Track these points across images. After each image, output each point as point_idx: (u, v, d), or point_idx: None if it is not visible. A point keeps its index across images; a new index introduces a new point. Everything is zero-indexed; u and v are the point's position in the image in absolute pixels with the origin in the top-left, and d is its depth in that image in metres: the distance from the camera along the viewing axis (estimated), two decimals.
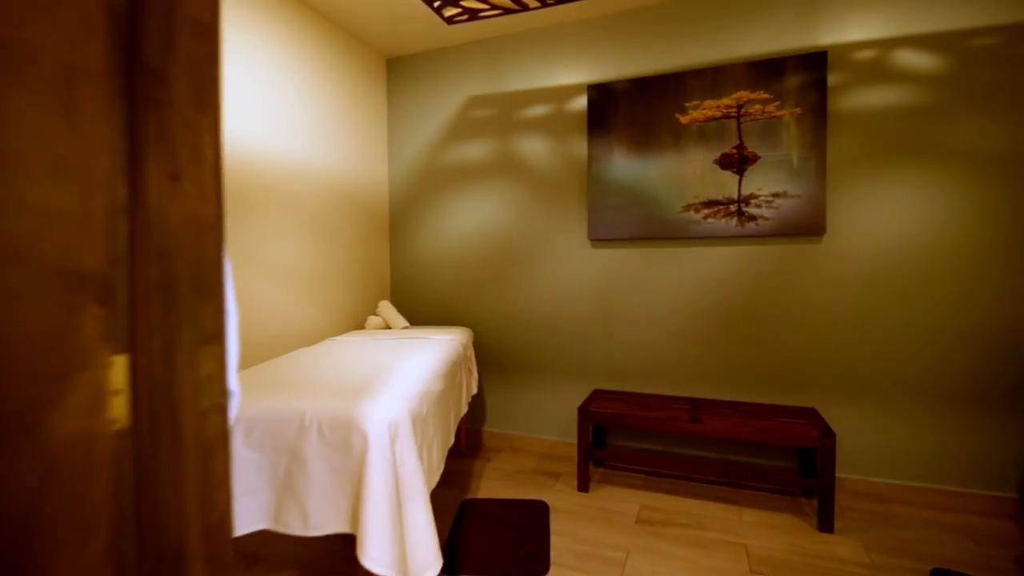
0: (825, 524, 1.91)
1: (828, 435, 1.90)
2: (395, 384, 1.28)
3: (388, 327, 2.52)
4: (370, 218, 2.83)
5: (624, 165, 2.44)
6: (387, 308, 2.55)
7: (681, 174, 2.35)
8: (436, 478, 1.39)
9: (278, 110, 2.18)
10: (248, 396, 1.19)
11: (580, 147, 2.56)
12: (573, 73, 2.59)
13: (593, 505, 2.10)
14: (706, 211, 2.31)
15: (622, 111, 2.45)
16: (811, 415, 2.11)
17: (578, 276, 2.59)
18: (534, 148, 2.66)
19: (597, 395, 2.44)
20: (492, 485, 2.30)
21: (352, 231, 2.66)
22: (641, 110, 2.41)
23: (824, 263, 2.19)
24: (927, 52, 2.04)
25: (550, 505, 2.07)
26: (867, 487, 2.17)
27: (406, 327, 2.53)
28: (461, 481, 2.33)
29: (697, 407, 2.24)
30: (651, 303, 2.45)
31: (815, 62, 2.14)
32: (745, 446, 2.34)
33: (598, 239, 2.52)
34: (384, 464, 1.05)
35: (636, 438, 2.53)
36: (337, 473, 1.06)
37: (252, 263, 2.00)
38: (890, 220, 2.10)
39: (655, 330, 2.45)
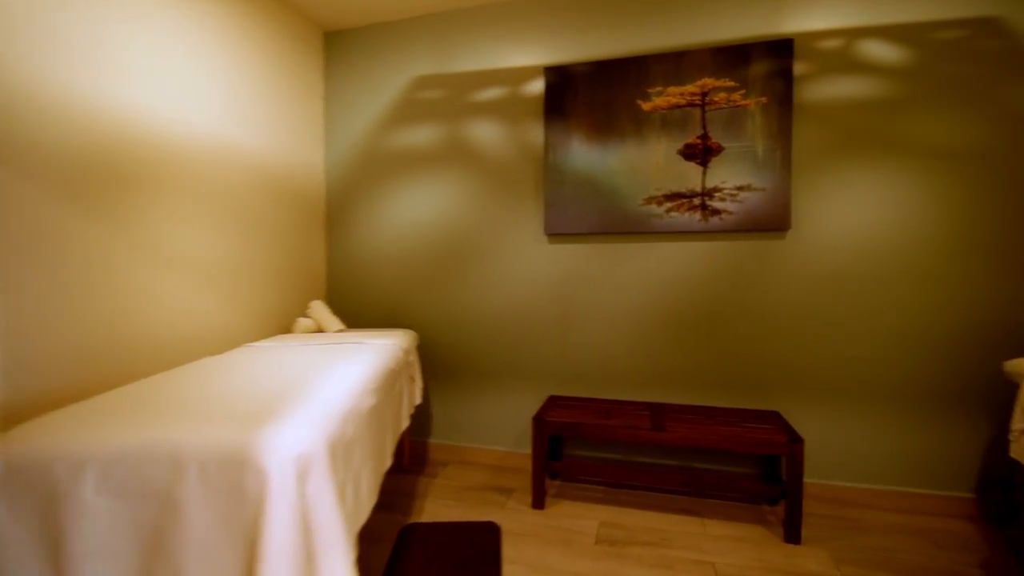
0: (792, 535, 1.80)
1: (795, 440, 1.80)
2: (311, 403, 1.03)
3: (320, 330, 2.23)
4: (303, 208, 2.53)
5: (583, 154, 2.27)
6: (320, 309, 2.26)
7: (643, 165, 2.20)
8: (366, 514, 1.15)
9: (193, 81, 1.85)
10: (109, 425, 0.91)
11: (536, 134, 2.37)
12: (529, 54, 2.39)
13: (549, 524, 1.91)
14: (669, 204, 2.17)
15: (581, 96, 2.27)
16: (775, 419, 2.01)
17: (533, 273, 2.40)
18: (487, 134, 2.45)
19: (553, 402, 2.26)
20: (438, 505, 2.07)
21: (281, 222, 2.35)
22: (601, 95, 2.25)
23: (788, 260, 2.10)
24: (892, 44, 1.97)
25: (502, 527, 1.87)
26: (829, 491, 2.10)
27: (341, 330, 2.25)
28: (403, 502, 2.09)
29: (659, 413, 2.09)
30: (611, 302, 2.29)
31: (781, 50, 2.04)
32: (708, 452, 2.22)
33: (555, 233, 2.34)
34: (289, 511, 0.81)
35: (595, 447, 2.37)
36: (226, 526, 0.81)
37: (144, 250, 1.67)
38: (855, 216, 2.03)
39: (615, 331, 2.30)
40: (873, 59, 1.99)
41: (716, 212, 2.12)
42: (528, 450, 2.37)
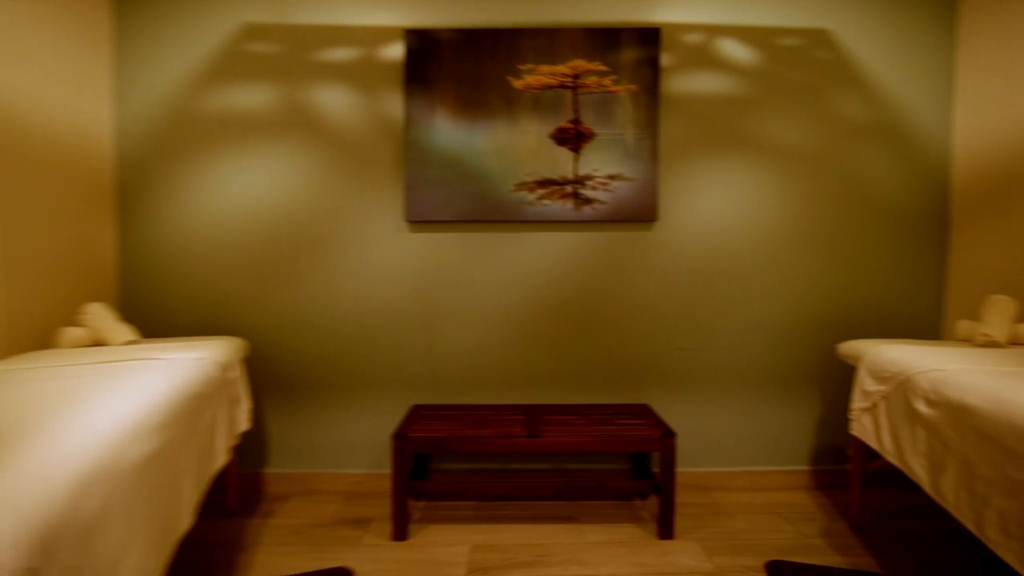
0: (666, 531, 1.77)
1: (668, 435, 1.76)
2: (20, 466, 0.64)
3: (100, 343, 1.66)
4: (77, 182, 1.89)
5: (449, 132, 2.02)
6: (99, 315, 1.69)
7: (514, 147, 2.02)
8: None
9: None
10: None
11: (395, 106, 2.06)
12: (387, 12, 2.06)
13: (413, 559, 1.64)
14: (541, 191, 2.03)
15: (447, 66, 2.02)
16: (646, 412, 1.98)
17: (392, 266, 2.08)
18: (336, 102, 2.07)
19: (418, 413, 1.98)
20: (273, 554, 1.66)
21: (39, 200, 1.71)
22: (469, 68, 2.02)
23: (656, 252, 2.09)
24: (745, 44, 2.05)
25: (355, 572, 1.54)
26: (693, 478, 2.14)
27: (131, 342, 1.70)
28: (224, 557, 1.64)
29: (534, 417, 1.94)
30: (481, 297, 2.08)
31: (649, 38, 2.01)
32: (584, 454, 2.14)
33: (418, 220, 2.05)
34: None
35: (466, 459, 2.14)
36: None
37: None
38: (714, 209, 2.09)
39: (485, 329, 2.09)
40: (729, 57, 2.06)
41: (588, 201, 2.03)
42: (389, 469, 2.06)
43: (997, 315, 1.65)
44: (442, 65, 2.02)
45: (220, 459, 1.38)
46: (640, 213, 2.04)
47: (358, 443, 2.11)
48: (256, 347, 2.04)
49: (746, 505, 2.02)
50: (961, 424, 1.10)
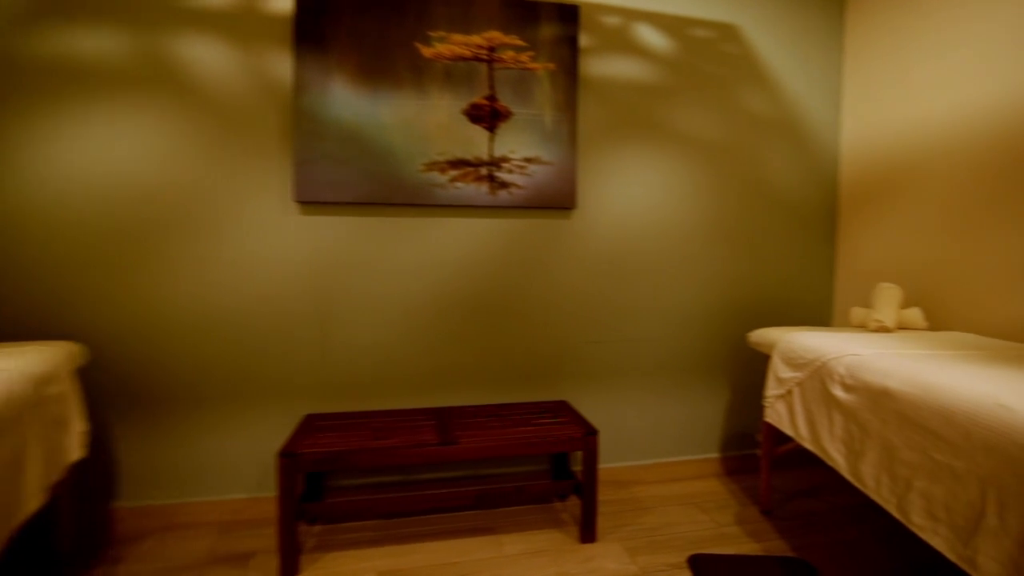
0: (588, 534, 1.68)
1: (590, 433, 1.67)
2: None
3: None
4: None
5: (348, 101, 1.77)
6: None
7: (423, 123, 1.82)
8: None
9: None
10: None
11: (282, 66, 1.76)
12: None
13: None
14: (453, 172, 1.84)
15: (346, 25, 1.76)
16: (566, 410, 1.88)
17: (279, 254, 1.78)
18: (208, 57, 1.72)
19: (311, 424, 1.71)
20: None
21: None
22: (372, 29, 1.77)
23: (574, 241, 2.00)
24: (660, 32, 2.02)
25: None
26: (609, 474, 2.08)
27: None
28: None
29: (447, 421, 1.76)
30: (385, 290, 1.85)
31: (568, 15, 1.90)
32: (502, 457, 1.99)
33: (310, 201, 1.77)
34: None
35: (369, 472, 1.90)
36: None
37: None
38: (631, 198, 2.04)
39: (389, 326, 1.87)
40: (646, 44, 2.01)
41: (505, 185, 1.88)
42: (276, 492, 1.76)
43: (886, 302, 1.75)
44: (340, 23, 1.75)
45: (28, 503, 1.03)
46: (559, 200, 1.93)
47: (238, 463, 1.78)
48: (102, 353, 1.64)
49: (662, 498, 2.00)
50: (882, 408, 1.10)
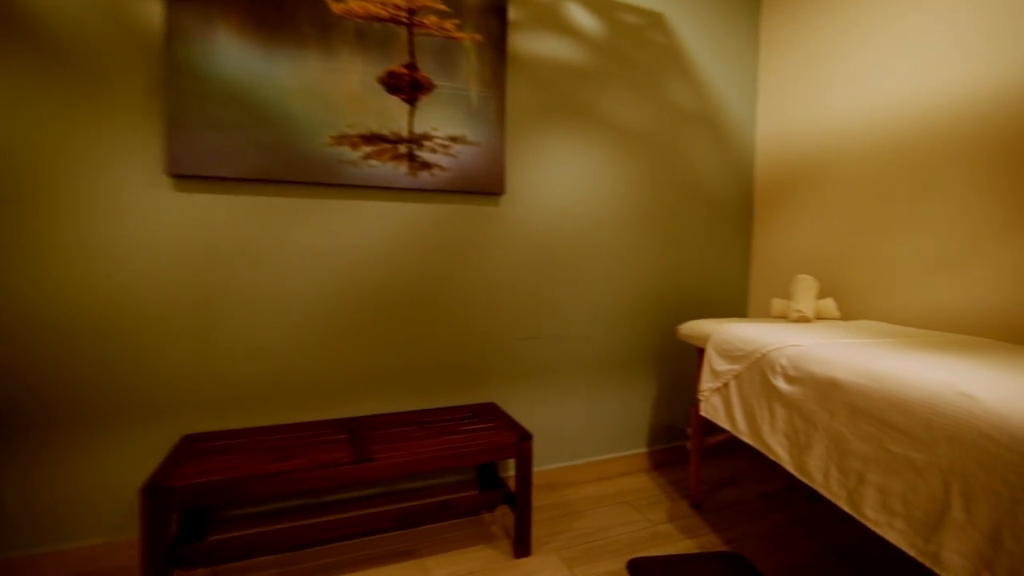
0: (522, 547, 1.54)
1: (525, 438, 1.53)
2: None
3: None
4: None
5: (238, 57, 1.47)
6: None
7: (331, 88, 1.56)
8: None
9: None
10: None
11: (150, 7, 1.42)
12: None
13: None
14: (367, 149, 1.61)
15: None
16: (495, 413, 1.73)
17: (147, 240, 1.44)
18: None
19: (190, 447, 1.40)
20: None
21: None
22: None
23: (502, 229, 1.85)
24: (591, 14, 1.93)
25: None
26: (539, 477, 1.97)
27: None
28: None
29: (361, 434, 1.53)
30: (284, 285, 1.58)
31: None
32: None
33: (188, 175, 1.45)
34: None
35: (268, 498, 1.62)
36: None
37: None
38: (560, 185, 1.93)
39: (291, 326, 1.59)
40: (576, 24, 1.91)
41: (427, 165, 1.68)
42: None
43: (804, 292, 1.80)
44: None
45: None
46: (486, 184, 1.77)
47: (93, 501, 1.42)
48: None
49: (595, 499, 1.92)
50: (830, 400, 1.07)
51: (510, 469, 1.92)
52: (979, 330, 1.49)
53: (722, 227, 2.27)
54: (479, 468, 1.88)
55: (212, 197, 1.49)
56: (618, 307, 2.07)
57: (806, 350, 1.20)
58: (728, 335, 1.51)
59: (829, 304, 1.80)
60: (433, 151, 1.69)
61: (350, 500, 1.70)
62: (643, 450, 2.18)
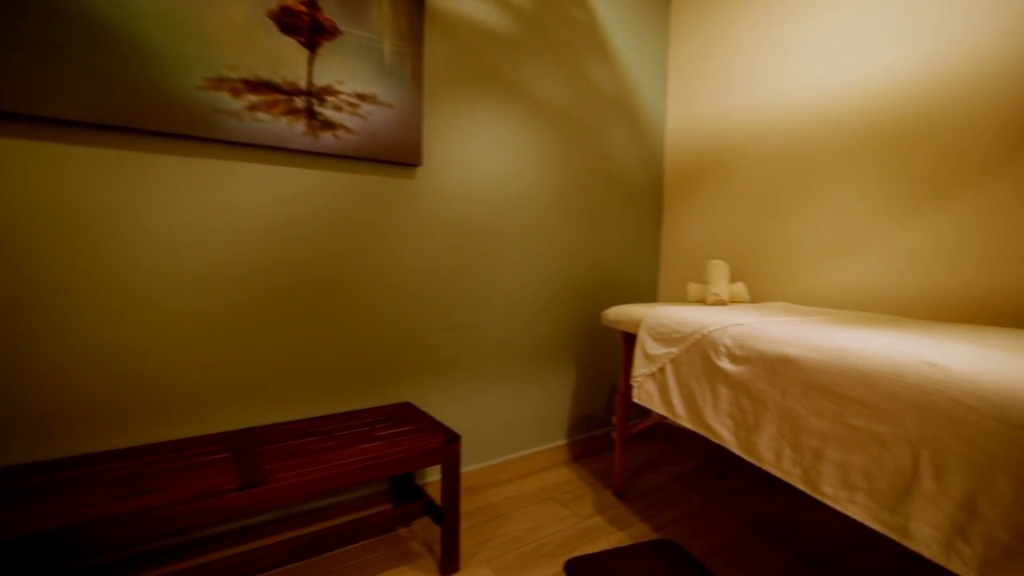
0: (450, 563, 1.37)
1: (452, 440, 1.36)
2: None
3: None
4: None
5: None
6: None
7: (205, 16, 1.23)
8: None
9: None
10: None
11: None
12: None
13: None
14: (253, 98, 1.31)
15: None
16: (412, 414, 1.53)
17: None
18: None
19: (2, 487, 1.00)
20: None
21: None
22: None
23: (418, 205, 1.64)
24: None
25: None
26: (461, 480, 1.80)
27: None
28: None
29: (250, 450, 1.23)
30: (143, 266, 1.22)
31: None
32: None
33: None
34: None
35: (130, 542, 1.24)
36: None
37: None
38: (482, 160, 1.77)
39: (153, 317, 1.24)
40: None
41: (329, 125, 1.42)
42: None
43: (718, 276, 1.84)
44: None
45: None
46: (401, 153, 1.55)
47: None
48: None
49: (520, 498, 1.80)
50: (782, 377, 1.05)
51: (427, 475, 1.72)
52: (873, 307, 1.62)
53: (636, 214, 2.27)
54: (392, 478, 1.66)
55: (25, 145, 1.09)
56: (541, 294, 1.96)
57: (751, 329, 1.18)
58: (663, 318, 1.46)
59: (740, 288, 1.86)
60: (338, 109, 1.42)
61: (238, 531, 1.38)
62: (563, 442, 2.11)
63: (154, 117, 1.18)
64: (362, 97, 1.46)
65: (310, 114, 1.38)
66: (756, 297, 1.96)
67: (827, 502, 0.94)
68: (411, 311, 1.65)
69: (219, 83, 1.25)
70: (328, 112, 1.41)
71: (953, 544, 0.75)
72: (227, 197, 1.31)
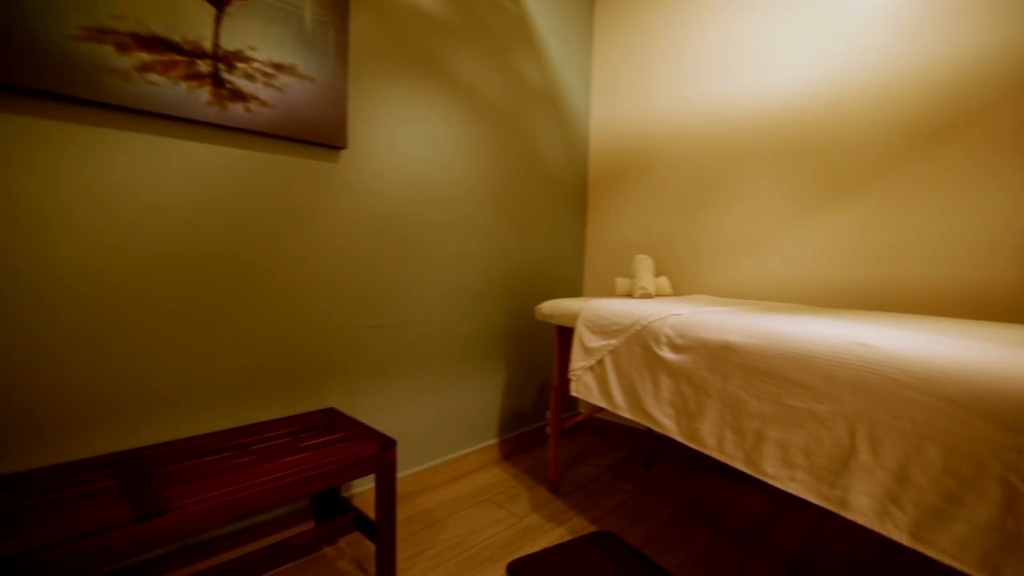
0: None
1: (388, 446, 1.25)
2: None
3: None
4: None
5: None
6: None
7: None
8: None
9: None
10: None
11: None
12: None
13: None
14: (146, 56, 1.11)
15: None
16: (338, 420, 1.40)
17: None
18: None
19: None
20: None
21: None
22: None
23: (344, 192, 1.50)
24: None
25: None
26: None
27: None
28: None
29: (145, 475, 1.04)
30: (9, 257, 0.98)
31: None
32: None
33: None
34: None
35: None
36: None
37: None
38: (413, 146, 1.67)
39: (19, 320, 1.00)
40: None
41: (240, 96, 1.25)
42: None
43: (645, 271, 1.90)
44: None
45: None
46: (324, 133, 1.40)
47: None
48: None
49: (453, 503, 1.72)
50: (724, 364, 1.09)
51: (354, 487, 1.59)
52: (783, 298, 1.76)
53: (563, 208, 2.29)
54: (316, 492, 1.50)
55: None
56: (471, 289, 1.90)
57: (690, 318, 1.21)
58: (601, 310, 1.47)
59: (664, 282, 1.94)
60: (250, 78, 1.25)
61: (136, 568, 1.16)
62: (494, 441, 2.06)
63: (19, 71, 0.95)
64: (279, 67, 1.30)
65: (216, 81, 1.20)
66: (679, 290, 2.06)
67: (769, 481, 0.98)
68: (336, 309, 1.50)
69: (101, 35, 1.04)
70: (239, 81, 1.24)
71: (887, 511, 0.81)
72: (118, 173, 1.10)
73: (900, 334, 0.88)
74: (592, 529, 1.57)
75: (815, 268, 1.69)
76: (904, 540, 0.79)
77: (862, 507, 0.84)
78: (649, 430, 2.09)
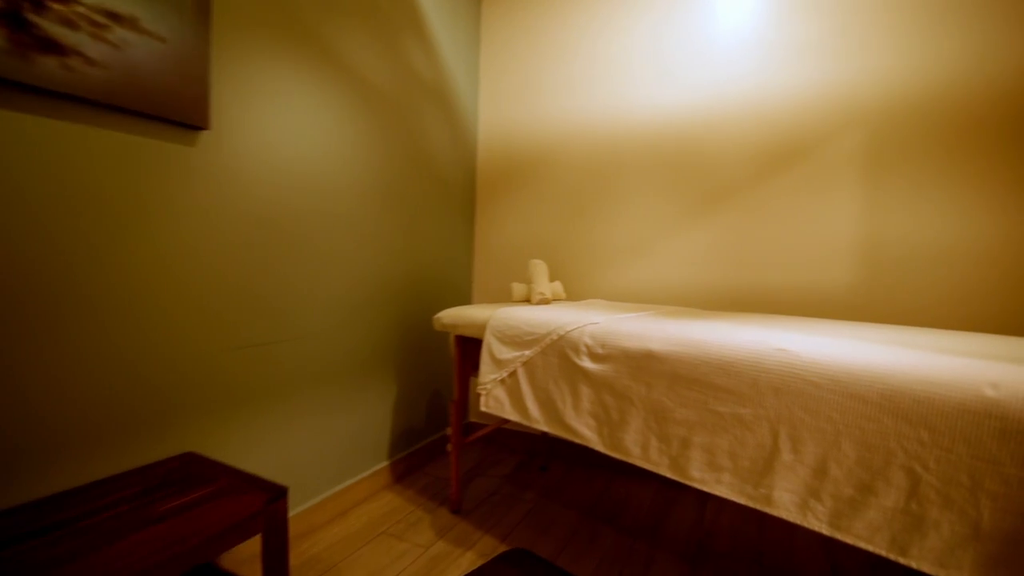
0: None
1: (276, 496, 1.03)
2: None
3: None
4: None
5: None
6: None
7: None
8: None
9: None
10: None
11: None
12: None
13: None
14: None
15: None
16: (201, 469, 1.12)
17: None
18: None
19: None
20: None
21: None
22: None
23: (204, 184, 1.22)
24: None
25: None
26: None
27: None
28: None
29: None
30: None
31: None
32: None
33: None
34: None
35: None
36: None
37: None
38: (288, 134, 1.43)
39: None
40: None
41: (56, 48, 0.92)
42: None
43: (541, 276, 1.89)
44: None
45: None
46: (177, 108, 1.11)
47: None
48: None
49: (346, 541, 1.52)
50: (647, 372, 1.10)
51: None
52: (666, 301, 1.88)
53: (452, 211, 2.18)
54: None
55: None
56: (356, 296, 1.70)
57: (609, 326, 1.21)
58: (512, 320, 1.41)
59: (558, 286, 1.95)
60: (70, 25, 0.94)
61: None
62: (384, 463, 1.88)
63: None
64: (115, 17, 0.99)
65: (16, 23, 0.87)
66: (572, 295, 2.09)
67: (695, 485, 1.01)
68: (190, 329, 1.21)
69: None
70: (53, 27, 0.91)
71: (808, 505, 0.88)
72: None
73: (815, 339, 0.96)
74: (503, 548, 1.50)
75: (695, 272, 1.84)
76: (824, 530, 0.86)
77: (785, 503, 0.90)
78: (544, 434, 2.09)
